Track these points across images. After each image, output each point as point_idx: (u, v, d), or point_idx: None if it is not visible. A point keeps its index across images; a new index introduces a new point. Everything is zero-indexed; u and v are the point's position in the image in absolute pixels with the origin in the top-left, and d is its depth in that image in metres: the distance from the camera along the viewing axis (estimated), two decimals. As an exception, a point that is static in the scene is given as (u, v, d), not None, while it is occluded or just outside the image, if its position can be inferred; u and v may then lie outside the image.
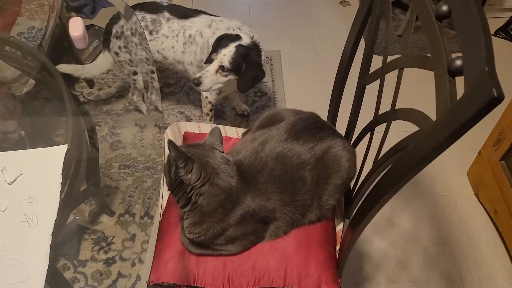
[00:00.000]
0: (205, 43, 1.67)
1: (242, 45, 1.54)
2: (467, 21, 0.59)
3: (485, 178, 1.67)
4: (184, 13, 1.73)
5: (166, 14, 1.72)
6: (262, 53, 1.63)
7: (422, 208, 1.76)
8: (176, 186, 0.92)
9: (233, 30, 1.62)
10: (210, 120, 1.93)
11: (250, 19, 2.68)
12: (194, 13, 1.74)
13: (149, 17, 1.71)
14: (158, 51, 1.78)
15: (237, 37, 1.56)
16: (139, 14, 1.71)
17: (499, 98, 0.49)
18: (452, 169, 1.87)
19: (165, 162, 0.96)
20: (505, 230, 1.58)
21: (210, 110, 1.88)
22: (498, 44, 2.44)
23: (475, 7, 0.58)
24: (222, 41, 1.55)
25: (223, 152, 0.99)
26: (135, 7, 1.74)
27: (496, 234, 1.66)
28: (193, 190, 0.91)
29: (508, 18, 2.50)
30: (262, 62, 1.64)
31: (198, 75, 1.55)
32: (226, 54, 1.52)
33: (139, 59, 1.70)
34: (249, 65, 1.55)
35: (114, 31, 1.72)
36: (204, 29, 1.68)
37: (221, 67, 1.53)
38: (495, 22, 2.51)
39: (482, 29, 0.56)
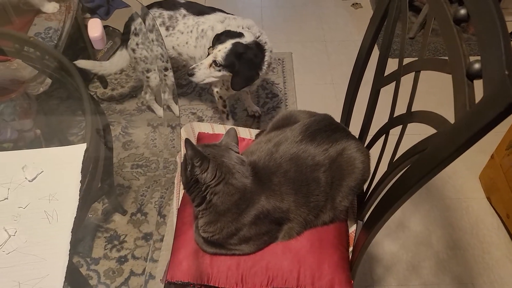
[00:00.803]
0: None
1: (240, 43, 1.53)
2: (486, 24, 0.59)
3: (498, 182, 1.66)
4: (200, 10, 1.75)
5: (183, 11, 1.74)
6: (267, 54, 1.61)
7: (433, 211, 1.75)
8: (192, 184, 0.93)
9: (243, 28, 1.62)
10: (227, 118, 1.93)
11: (262, 21, 2.69)
12: (210, 10, 1.75)
13: (166, 13, 1.74)
14: (173, 47, 1.80)
15: (239, 35, 1.55)
16: (157, 11, 1.74)
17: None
18: (464, 173, 1.87)
19: (181, 161, 0.97)
20: (517, 235, 1.57)
21: (224, 106, 1.89)
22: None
23: (495, 11, 0.58)
24: (221, 37, 1.55)
25: (238, 153, 1.00)
26: (153, 5, 1.77)
27: (508, 238, 1.65)
28: (208, 189, 0.92)
29: (521, 22, 2.49)
30: (266, 63, 1.62)
31: (192, 66, 1.57)
32: (221, 50, 1.52)
33: (154, 55, 1.72)
34: (243, 64, 1.54)
35: (132, 28, 1.75)
36: (216, 24, 1.69)
37: (215, 62, 1.54)
38: (507, 25, 2.50)
39: (502, 33, 0.56)
